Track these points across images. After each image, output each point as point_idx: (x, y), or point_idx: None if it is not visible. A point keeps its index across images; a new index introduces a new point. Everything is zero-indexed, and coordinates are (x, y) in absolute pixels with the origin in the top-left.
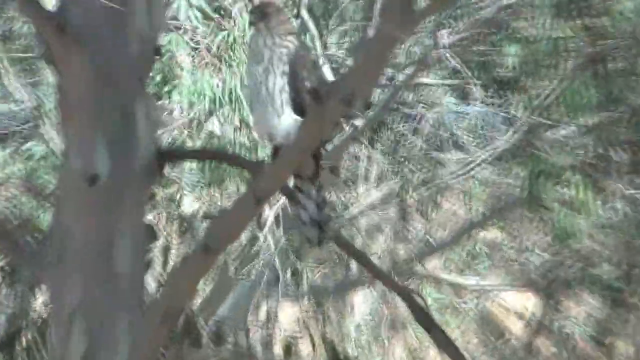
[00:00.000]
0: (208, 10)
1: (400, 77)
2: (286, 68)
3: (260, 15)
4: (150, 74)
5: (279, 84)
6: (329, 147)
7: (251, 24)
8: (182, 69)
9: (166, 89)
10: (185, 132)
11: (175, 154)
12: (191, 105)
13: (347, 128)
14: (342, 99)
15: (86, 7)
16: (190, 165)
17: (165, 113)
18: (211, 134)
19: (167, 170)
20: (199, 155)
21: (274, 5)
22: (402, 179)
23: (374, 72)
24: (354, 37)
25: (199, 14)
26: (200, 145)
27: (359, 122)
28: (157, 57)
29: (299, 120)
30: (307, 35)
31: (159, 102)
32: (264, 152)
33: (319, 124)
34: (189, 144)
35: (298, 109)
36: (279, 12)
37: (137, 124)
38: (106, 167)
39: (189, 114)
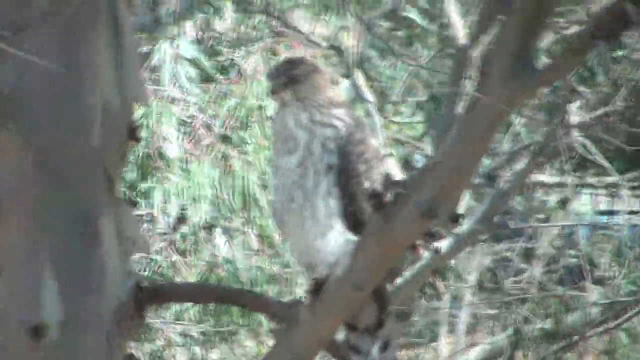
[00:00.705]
0: (207, 66)
1: (506, 173)
2: (334, 160)
3: (285, 79)
4: (123, 169)
5: (322, 185)
6: (399, 281)
7: (272, 93)
8: (166, 158)
9: (143, 187)
10: (174, 255)
11: (163, 293)
12: (183, 212)
13: (423, 253)
14: (418, 208)
15: (22, 69)
16: (182, 308)
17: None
18: (213, 259)
19: (148, 315)
20: (197, 294)
21: (307, 63)
22: (512, 330)
23: (466, 168)
24: (433, 111)
25: (193, 72)
26: (199, 277)
27: (442, 244)
28: (133, 141)
29: (354, 241)
30: (360, 108)
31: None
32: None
33: (384, 246)
34: (182, 274)
35: (352, 223)
36: (316, 72)
37: (103, 245)
38: (57, 314)
39: (176, 227)
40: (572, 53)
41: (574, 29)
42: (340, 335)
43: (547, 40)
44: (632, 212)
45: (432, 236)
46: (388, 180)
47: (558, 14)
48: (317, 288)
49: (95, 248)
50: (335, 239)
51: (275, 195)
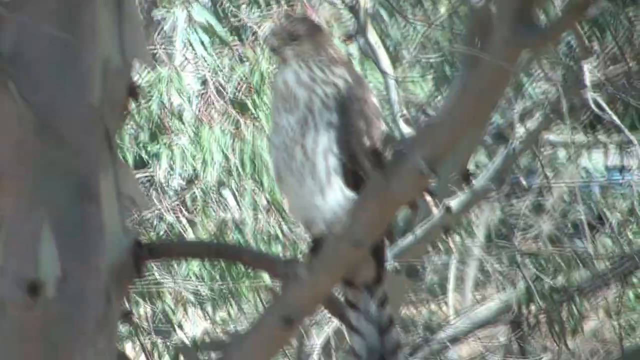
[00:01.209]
0: (220, 31)
1: (517, 132)
2: (334, 117)
3: (286, 36)
4: (122, 128)
5: (322, 142)
6: (406, 238)
7: (273, 51)
8: (179, 120)
9: (154, 149)
10: (184, 215)
11: (162, 250)
12: (194, 175)
13: (434, 209)
14: (418, 165)
15: (22, 29)
16: (193, 266)
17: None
18: (223, 221)
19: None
20: (195, 250)
21: (308, 20)
22: (521, 284)
23: (468, 126)
24: (443, 72)
25: (206, 38)
26: (207, 235)
27: (453, 201)
28: (133, 100)
29: (353, 198)
30: (371, 67)
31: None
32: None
33: (383, 203)
34: (190, 234)
35: (352, 180)
36: (317, 31)
37: (102, 203)
38: (54, 270)
39: (188, 188)
40: (572, 10)
41: None
42: (338, 291)
43: None
44: None
45: (432, 194)
46: (388, 138)
47: None
48: (316, 245)
49: (94, 205)
50: (335, 196)
51: (275, 153)
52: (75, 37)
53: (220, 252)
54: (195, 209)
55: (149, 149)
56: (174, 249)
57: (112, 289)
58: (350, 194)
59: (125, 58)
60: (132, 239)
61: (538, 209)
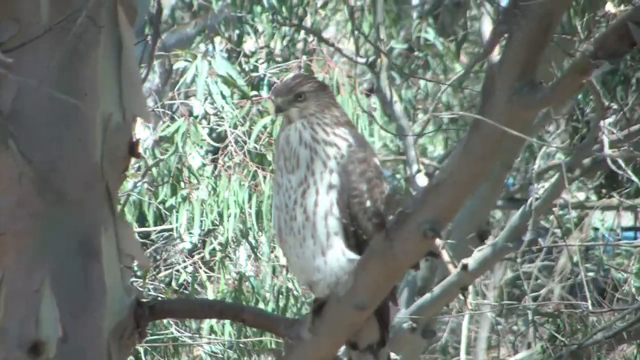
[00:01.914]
0: (241, 84)
1: (534, 191)
2: (335, 179)
3: (292, 96)
4: (120, 184)
5: (323, 204)
6: (423, 298)
7: (278, 110)
8: (196, 175)
9: (172, 202)
10: (202, 270)
11: (163, 309)
12: (211, 229)
13: (451, 268)
14: (421, 228)
15: (22, 86)
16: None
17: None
18: (241, 276)
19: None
20: (197, 309)
21: (314, 80)
22: (539, 347)
23: (469, 188)
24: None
25: (226, 89)
26: (224, 292)
27: (469, 260)
28: (133, 156)
29: (355, 260)
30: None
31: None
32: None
33: (386, 266)
34: (209, 290)
35: (354, 242)
36: (322, 90)
37: (103, 261)
38: (55, 330)
39: (205, 243)
40: (575, 73)
41: (578, 49)
42: (342, 354)
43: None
44: None
45: (435, 255)
46: (390, 200)
47: (563, 34)
48: (319, 307)
49: (95, 264)
50: (337, 258)
51: (276, 214)
52: (75, 94)
53: (222, 311)
54: (214, 264)
55: (167, 203)
56: (175, 308)
57: (114, 348)
58: (352, 255)
59: (125, 114)
60: (133, 298)
61: (549, 269)
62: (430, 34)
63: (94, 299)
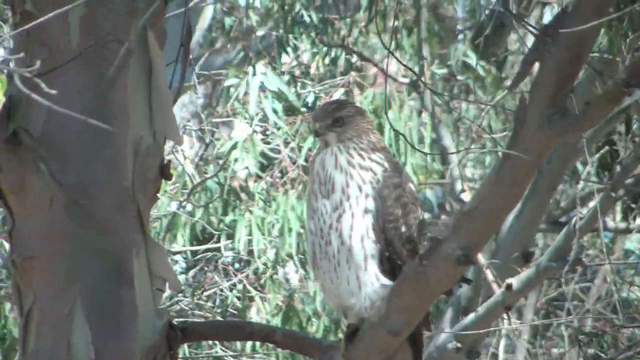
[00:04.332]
0: (293, 99)
1: (578, 213)
2: (371, 203)
3: (330, 120)
4: (152, 207)
5: (359, 228)
6: (468, 318)
7: (316, 135)
8: (253, 192)
9: (227, 220)
10: (255, 288)
11: (194, 332)
12: (264, 249)
13: (495, 287)
14: (454, 254)
15: (52, 110)
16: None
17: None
18: (291, 294)
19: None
20: (228, 332)
21: (351, 105)
22: None
23: (501, 214)
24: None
25: (279, 106)
26: (274, 311)
27: (514, 280)
28: (165, 178)
29: (388, 286)
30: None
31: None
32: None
33: (419, 291)
34: (262, 310)
35: (388, 267)
36: (359, 115)
37: (135, 284)
38: (87, 352)
39: (250, 262)
40: (607, 100)
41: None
42: None
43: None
44: None
45: (467, 282)
46: (423, 225)
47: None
48: (353, 332)
49: (127, 287)
50: (371, 283)
51: (311, 238)
52: (105, 117)
53: (252, 333)
54: (263, 282)
55: (226, 221)
56: (206, 331)
57: None
58: (385, 281)
59: (156, 137)
60: (165, 320)
61: (585, 290)
62: (471, 58)
63: (126, 322)
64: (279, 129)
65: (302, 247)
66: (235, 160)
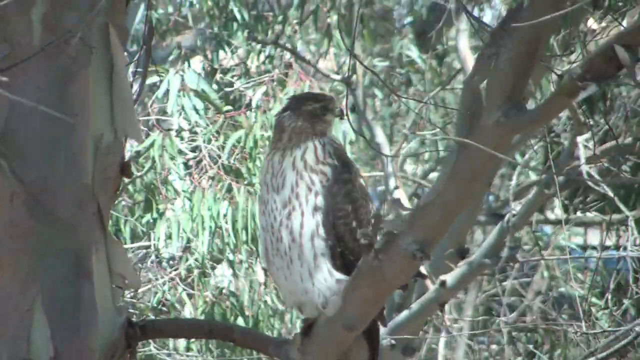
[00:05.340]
0: (214, 98)
1: (512, 208)
2: (320, 201)
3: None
4: (112, 204)
5: (309, 225)
6: (402, 315)
7: (341, 116)
8: (171, 190)
9: (147, 218)
10: (180, 287)
11: (153, 329)
12: (188, 245)
13: (429, 284)
14: (409, 248)
15: (12, 105)
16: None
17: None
18: (220, 291)
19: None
20: (187, 329)
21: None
22: None
23: (457, 208)
24: (439, 148)
25: (199, 104)
26: (203, 310)
27: (448, 277)
28: (125, 176)
29: (343, 280)
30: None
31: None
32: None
33: (375, 286)
34: (187, 308)
35: (340, 263)
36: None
37: (94, 283)
38: (46, 350)
39: (183, 259)
40: (563, 95)
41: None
42: None
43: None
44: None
45: (423, 276)
46: (378, 220)
47: (550, 56)
48: (308, 328)
49: (86, 284)
50: (324, 279)
51: (263, 234)
52: (67, 113)
53: (212, 331)
54: (192, 280)
55: (143, 220)
56: (166, 328)
57: None
58: (340, 276)
59: (117, 134)
60: (124, 317)
61: (526, 286)
62: (412, 51)
63: (86, 319)
64: (204, 128)
65: (230, 246)
66: (152, 159)
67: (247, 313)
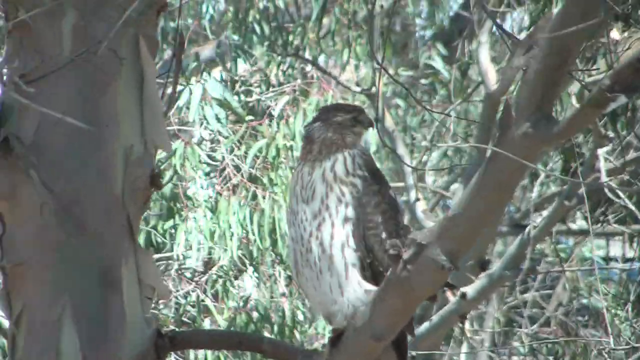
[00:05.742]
0: (236, 106)
1: (533, 220)
2: (350, 212)
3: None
4: (141, 215)
5: (339, 236)
6: (423, 326)
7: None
8: (197, 199)
9: (168, 225)
10: (202, 296)
11: (183, 340)
12: (210, 256)
13: (449, 296)
14: (437, 259)
15: (43, 117)
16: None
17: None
18: (245, 300)
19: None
20: (216, 340)
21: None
22: None
23: (485, 220)
24: (462, 160)
25: (222, 113)
26: (227, 320)
27: (468, 289)
28: (155, 187)
29: (372, 291)
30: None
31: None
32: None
33: (403, 297)
34: (206, 320)
35: (369, 274)
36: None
37: (124, 293)
38: None
39: (206, 268)
40: (592, 106)
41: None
42: None
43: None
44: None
45: (451, 287)
46: (407, 232)
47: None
48: (337, 338)
49: (116, 295)
50: (354, 290)
51: (292, 245)
52: (96, 125)
53: (241, 342)
54: (215, 291)
55: (164, 226)
56: (195, 339)
57: None
58: (369, 286)
59: (147, 146)
60: (153, 328)
61: (547, 298)
62: (437, 62)
63: (114, 330)
64: (226, 138)
65: (257, 253)
66: (174, 168)
67: (271, 322)
